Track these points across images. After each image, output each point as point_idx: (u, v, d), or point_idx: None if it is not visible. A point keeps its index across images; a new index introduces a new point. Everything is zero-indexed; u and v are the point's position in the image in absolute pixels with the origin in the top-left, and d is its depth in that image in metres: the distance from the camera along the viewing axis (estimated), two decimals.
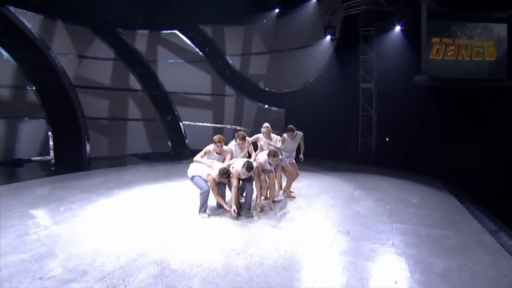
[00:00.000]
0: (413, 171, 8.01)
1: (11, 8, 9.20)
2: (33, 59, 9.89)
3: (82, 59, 10.89)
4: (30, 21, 9.65)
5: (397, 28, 9.29)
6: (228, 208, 4.57)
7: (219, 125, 13.00)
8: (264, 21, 11.91)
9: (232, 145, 5.21)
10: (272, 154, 4.78)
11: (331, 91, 10.28)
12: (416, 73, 8.12)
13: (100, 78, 11.17)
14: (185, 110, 12.67)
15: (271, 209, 5.00)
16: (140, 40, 11.76)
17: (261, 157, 4.95)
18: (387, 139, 9.92)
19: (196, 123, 12.77)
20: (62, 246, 3.56)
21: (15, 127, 10.08)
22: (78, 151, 10.56)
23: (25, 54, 9.73)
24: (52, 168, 9.78)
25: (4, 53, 9.49)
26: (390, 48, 9.47)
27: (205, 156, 4.88)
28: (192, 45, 12.31)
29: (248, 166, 4.50)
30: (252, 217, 4.63)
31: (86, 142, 10.65)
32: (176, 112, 12.53)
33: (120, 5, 10.70)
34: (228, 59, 12.61)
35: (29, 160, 10.24)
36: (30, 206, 5.21)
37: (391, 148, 9.62)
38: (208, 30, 12.36)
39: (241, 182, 4.82)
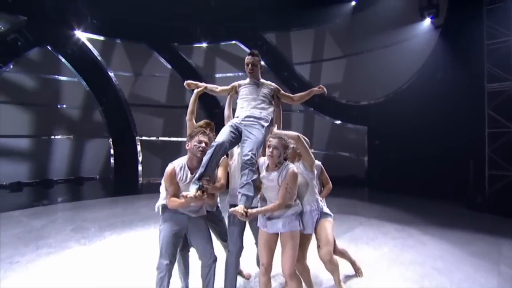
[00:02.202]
0: None
1: (77, 32, 9.08)
2: (97, 80, 9.72)
3: (138, 77, 10.35)
4: (92, 42, 9.44)
5: None
6: None
7: None
8: (337, 20, 9.71)
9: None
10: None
11: (435, 100, 7.44)
12: None
13: (156, 96, 10.46)
14: None
15: None
16: (198, 54, 10.78)
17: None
18: None
19: None
20: None
21: (81, 145, 10.07)
22: (133, 172, 9.96)
23: (90, 75, 9.61)
24: (110, 189, 9.43)
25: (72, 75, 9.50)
26: None
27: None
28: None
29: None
30: None
31: (139, 163, 9.94)
32: None
33: (177, 19, 9.88)
34: (296, 69, 10.69)
35: (92, 179, 10.13)
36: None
37: None
38: (271, 37, 10.73)
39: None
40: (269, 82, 3.22)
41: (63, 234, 5.12)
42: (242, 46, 10.73)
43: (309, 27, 10.31)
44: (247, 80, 3.18)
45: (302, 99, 3.34)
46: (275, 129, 2.84)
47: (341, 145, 10.20)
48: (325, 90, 3.14)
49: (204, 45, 10.73)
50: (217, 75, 10.94)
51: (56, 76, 9.51)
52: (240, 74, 10.84)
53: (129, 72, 10.22)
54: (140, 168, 10.00)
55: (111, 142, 9.89)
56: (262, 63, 3.28)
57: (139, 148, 10.10)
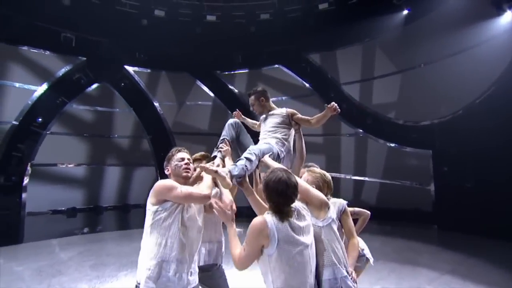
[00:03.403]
0: None
1: (126, 67, 9.79)
2: (145, 110, 10.22)
3: (182, 105, 10.59)
4: (139, 75, 10.05)
5: None
6: None
7: (334, 174, 9.96)
8: (388, 33, 8.72)
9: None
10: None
11: None
12: None
13: (198, 123, 10.52)
14: None
15: None
16: (240, 80, 10.67)
17: None
18: None
19: None
20: None
21: (130, 174, 10.48)
22: None
23: (139, 106, 10.16)
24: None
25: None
26: None
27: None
28: (298, 78, 10.27)
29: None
30: None
31: None
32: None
33: (218, 47, 10.01)
34: (343, 89, 9.82)
35: (138, 206, 10.36)
36: None
37: None
38: (316, 57, 10.14)
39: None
40: (280, 110, 3.17)
41: (80, 271, 5.01)
42: (285, 70, 10.34)
43: (356, 43, 9.49)
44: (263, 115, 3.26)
45: (319, 121, 3.06)
46: (265, 158, 2.52)
47: (400, 173, 8.78)
48: (336, 107, 2.82)
49: (246, 71, 10.62)
50: None
51: (110, 108, 10.21)
52: (283, 98, 10.39)
53: (173, 101, 10.52)
54: None
55: (157, 170, 10.08)
56: (262, 94, 3.23)
57: None
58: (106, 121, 10.16)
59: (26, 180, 8.49)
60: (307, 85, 10.24)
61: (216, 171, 2.21)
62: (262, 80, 10.59)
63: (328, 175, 2.37)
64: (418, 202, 8.45)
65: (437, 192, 8.17)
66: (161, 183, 2.12)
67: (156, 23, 9.30)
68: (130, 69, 9.82)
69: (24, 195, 8.41)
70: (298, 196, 1.96)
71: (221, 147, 2.70)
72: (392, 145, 9.08)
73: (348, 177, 9.76)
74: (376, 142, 9.31)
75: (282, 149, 2.91)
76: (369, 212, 2.93)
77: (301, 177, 3.23)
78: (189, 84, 10.47)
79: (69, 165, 9.57)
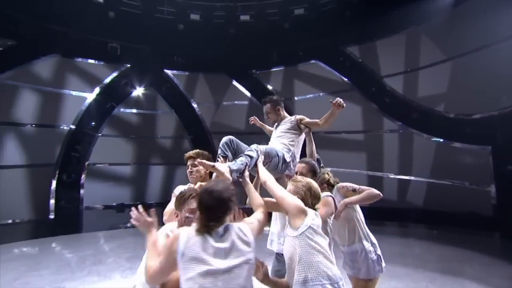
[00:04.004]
0: None
1: (166, 71, 10.34)
2: (185, 111, 10.71)
3: (219, 106, 10.83)
4: (178, 78, 10.53)
5: None
6: None
7: (377, 173, 9.37)
8: (434, 18, 7.88)
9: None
10: None
11: None
12: None
13: (235, 123, 10.65)
14: (329, 153, 10.00)
15: None
16: (276, 78, 10.57)
17: None
18: None
19: (344, 170, 9.75)
20: None
21: (172, 172, 11.05)
22: None
23: (179, 108, 10.69)
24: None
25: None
26: None
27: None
28: (336, 73, 9.83)
29: None
30: None
31: None
32: (318, 157, 10.06)
33: (254, 46, 10.04)
34: (385, 82, 9.16)
35: None
36: None
37: None
38: (355, 50, 9.60)
39: None
40: (289, 118, 3.29)
41: (117, 261, 5.42)
42: (322, 65, 9.97)
43: (398, 32, 8.76)
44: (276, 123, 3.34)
45: (328, 121, 3.06)
46: (259, 161, 2.47)
47: (451, 171, 7.90)
48: (341, 102, 2.84)
49: (282, 68, 10.48)
50: (296, 98, 10.41)
51: (153, 111, 10.85)
52: (320, 94, 10.06)
53: (211, 102, 10.81)
54: None
55: None
56: (277, 103, 3.35)
57: None
58: (150, 122, 10.83)
59: (83, 178, 9.46)
60: (345, 79, 9.76)
61: (214, 166, 2.21)
62: (298, 77, 10.37)
63: (314, 184, 2.10)
64: (475, 205, 7.51)
65: (500, 195, 7.18)
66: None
67: (192, 27, 9.66)
68: (170, 72, 10.33)
69: (82, 191, 9.38)
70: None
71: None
72: (441, 140, 8.22)
73: (391, 176, 9.08)
74: (422, 138, 8.52)
75: (288, 155, 2.93)
76: (374, 190, 2.68)
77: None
78: (226, 84, 10.67)
79: (119, 165, 10.41)
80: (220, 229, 1.63)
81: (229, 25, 9.84)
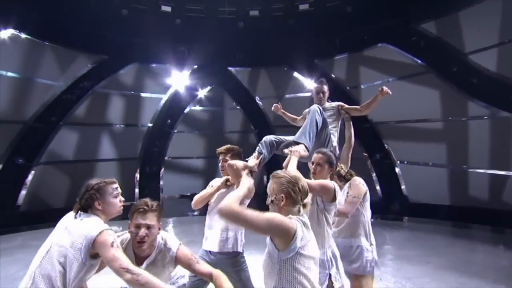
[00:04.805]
0: None
1: (229, 68, 10.83)
2: (249, 106, 11.10)
3: (282, 99, 10.79)
4: (241, 74, 10.92)
5: None
6: None
7: (461, 167, 8.10)
8: None
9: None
10: None
11: None
12: None
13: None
14: (400, 145, 9.07)
15: None
16: (340, 66, 9.98)
17: None
18: None
19: (419, 164, 8.71)
20: None
21: None
22: None
23: (244, 103, 11.12)
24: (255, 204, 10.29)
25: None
26: None
27: None
28: (407, 55, 8.77)
29: None
30: None
31: None
32: (387, 148, 9.23)
33: (315, 35, 9.70)
34: (471, 59, 7.77)
35: None
36: None
37: None
38: (430, 27, 8.38)
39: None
40: (330, 104, 3.37)
41: None
42: (391, 47, 9.01)
43: None
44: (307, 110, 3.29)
45: (370, 106, 3.15)
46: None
47: None
48: (388, 91, 2.90)
49: (346, 55, 9.85)
50: (362, 86, 9.67)
51: (221, 107, 11.49)
52: (389, 80, 9.14)
53: (273, 95, 10.86)
54: None
55: None
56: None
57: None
58: (218, 118, 11.51)
59: (162, 170, 10.70)
60: (419, 61, 8.63)
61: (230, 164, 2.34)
62: (364, 63, 9.59)
63: (300, 177, 1.74)
64: None
65: None
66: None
67: (252, 23, 9.85)
68: (233, 70, 10.77)
69: (161, 182, 10.63)
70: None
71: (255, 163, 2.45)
72: None
73: (480, 171, 7.70)
74: None
75: (335, 139, 3.13)
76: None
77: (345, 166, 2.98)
78: (288, 77, 10.57)
79: (192, 158, 11.40)
80: None
81: (288, 17, 9.72)
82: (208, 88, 11.01)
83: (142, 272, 1.65)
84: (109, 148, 9.73)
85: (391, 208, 8.85)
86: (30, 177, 8.32)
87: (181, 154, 11.08)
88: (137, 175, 10.05)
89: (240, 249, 2.53)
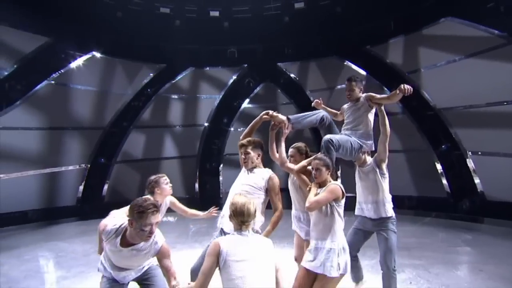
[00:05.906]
0: None
1: (279, 64, 10.87)
2: (301, 100, 10.96)
3: (333, 90, 10.32)
4: (291, 69, 10.84)
5: None
6: None
7: None
8: None
9: None
10: None
11: None
12: None
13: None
14: (471, 133, 7.83)
15: None
16: (394, 50, 9.05)
17: None
18: None
19: (495, 155, 7.39)
20: None
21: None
22: None
23: (296, 97, 11.04)
24: None
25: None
26: None
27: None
28: (480, 27, 7.46)
29: None
30: None
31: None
32: (455, 138, 8.06)
33: (366, 19, 9.03)
34: None
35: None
36: None
37: None
38: None
39: None
40: (361, 100, 3.28)
41: (196, 240, 6.36)
42: (457, 21, 7.81)
43: None
44: (348, 103, 3.42)
45: (395, 96, 2.99)
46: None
47: None
48: (406, 89, 2.80)
49: (401, 37, 8.89)
50: (423, 70, 8.62)
51: (274, 103, 11.58)
52: (456, 59, 7.98)
53: (324, 87, 10.46)
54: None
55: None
56: (361, 84, 3.43)
57: None
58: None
59: (221, 166, 11.38)
60: (496, 32, 7.26)
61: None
62: (424, 43, 8.52)
63: (237, 202, 2.15)
64: None
65: None
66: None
67: (297, 16, 9.67)
68: (283, 65, 10.75)
69: (221, 178, 11.32)
70: None
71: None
72: None
73: None
74: None
75: (367, 142, 3.16)
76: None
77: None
78: (338, 67, 10.07)
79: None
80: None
81: (335, 4, 9.25)
82: (261, 85, 11.24)
83: None
84: (171, 147, 10.81)
85: (461, 206, 7.74)
86: (110, 174, 9.89)
87: (237, 151, 11.57)
88: (197, 171, 10.91)
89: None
